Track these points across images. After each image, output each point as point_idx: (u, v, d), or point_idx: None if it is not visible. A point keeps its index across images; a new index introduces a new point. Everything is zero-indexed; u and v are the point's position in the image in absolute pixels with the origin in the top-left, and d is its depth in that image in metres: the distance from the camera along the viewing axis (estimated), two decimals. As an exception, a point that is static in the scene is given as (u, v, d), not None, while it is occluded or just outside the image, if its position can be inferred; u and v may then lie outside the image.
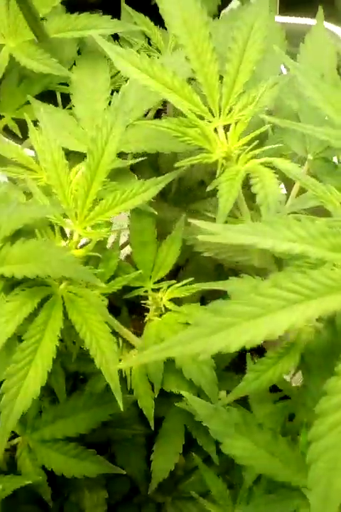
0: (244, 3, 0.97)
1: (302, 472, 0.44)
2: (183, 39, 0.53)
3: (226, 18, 0.79)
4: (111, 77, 0.72)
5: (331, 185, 0.43)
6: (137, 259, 0.65)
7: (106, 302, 0.57)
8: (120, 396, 0.51)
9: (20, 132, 0.76)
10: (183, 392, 0.50)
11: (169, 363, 0.60)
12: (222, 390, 0.60)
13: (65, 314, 0.54)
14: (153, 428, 0.61)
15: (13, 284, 0.55)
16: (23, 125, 0.78)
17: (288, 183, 0.59)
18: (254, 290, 0.35)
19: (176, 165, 0.53)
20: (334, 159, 0.58)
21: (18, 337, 0.52)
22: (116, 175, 0.63)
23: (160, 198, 0.72)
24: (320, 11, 0.66)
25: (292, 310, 0.34)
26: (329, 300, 0.34)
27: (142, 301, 0.66)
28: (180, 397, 0.63)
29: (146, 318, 0.65)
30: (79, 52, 0.78)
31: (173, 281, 0.64)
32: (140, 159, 0.65)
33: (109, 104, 0.69)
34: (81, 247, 0.59)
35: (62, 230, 0.59)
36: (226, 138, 0.53)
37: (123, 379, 0.62)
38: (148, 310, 0.68)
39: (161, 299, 0.64)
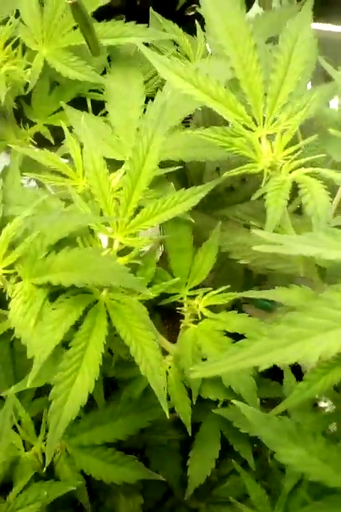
0: (266, 9, 0.98)
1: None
2: (229, 50, 0.53)
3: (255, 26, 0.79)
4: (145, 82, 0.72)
5: None
6: (174, 266, 0.64)
7: (146, 310, 0.57)
8: (165, 403, 0.51)
9: (52, 139, 0.76)
10: (234, 401, 0.50)
11: (206, 369, 0.60)
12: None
13: (109, 321, 0.53)
14: (190, 434, 0.60)
15: (57, 292, 0.54)
16: (54, 131, 0.79)
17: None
18: (328, 303, 0.34)
19: (224, 176, 0.52)
20: None
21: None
22: (153, 183, 0.62)
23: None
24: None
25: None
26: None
27: (178, 308, 0.65)
28: (215, 403, 0.63)
29: (182, 325, 0.65)
30: (109, 59, 0.77)
31: (209, 289, 0.64)
32: (177, 167, 0.64)
33: (144, 111, 0.69)
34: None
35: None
36: (271, 147, 0.52)
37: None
38: (179, 316, 0.67)
39: (197, 305, 0.64)
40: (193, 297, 0.64)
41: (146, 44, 0.79)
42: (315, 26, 0.68)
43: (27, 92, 0.72)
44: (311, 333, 0.34)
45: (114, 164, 0.65)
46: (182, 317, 0.66)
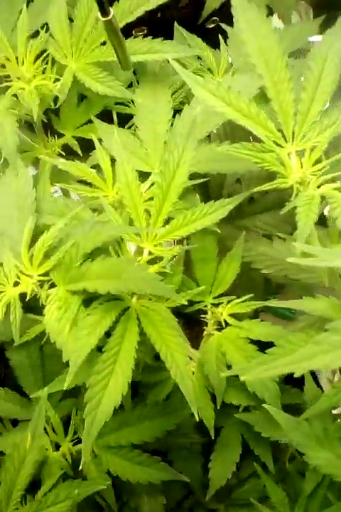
0: (285, 21, 0.99)
1: None
2: (261, 69, 0.54)
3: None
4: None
5: None
6: (199, 274, 0.65)
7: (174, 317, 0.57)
8: (195, 405, 0.52)
9: (80, 150, 0.76)
10: (265, 406, 0.50)
11: (230, 376, 0.60)
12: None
13: (139, 327, 0.54)
14: (213, 437, 0.61)
15: (89, 299, 0.55)
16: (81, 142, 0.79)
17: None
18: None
19: (255, 190, 0.53)
20: None
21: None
22: (181, 194, 0.63)
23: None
24: None
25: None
26: None
27: (202, 316, 0.66)
28: (236, 408, 0.64)
29: (205, 332, 0.66)
30: (134, 73, 0.78)
31: (233, 297, 0.65)
32: (203, 180, 0.65)
33: (171, 125, 0.70)
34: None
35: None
36: (300, 163, 0.53)
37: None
38: (198, 323, 0.68)
39: (221, 313, 0.64)
40: (217, 305, 0.65)
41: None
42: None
43: (57, 106, 0.73)
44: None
45: (141, 175, 0.66)
46: (203, 324, 0.67)
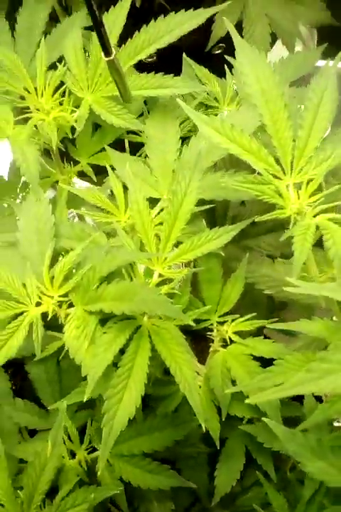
0: (289, 48, 1.04)
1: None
2: (261, 109, 0.59)
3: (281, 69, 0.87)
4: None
5: None
6: (205, 295, 0.71)
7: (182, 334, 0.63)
8: (202, 417, 0.57)
9: (94, 176, 0.82)
10: (264, 419, 0.56)
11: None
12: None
13: (151, 344, 0.59)
14: (218, 447, 0.66)
15: (105, 318, 0.60)
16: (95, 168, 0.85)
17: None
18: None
19: (256, 219, 0.58)
20: None
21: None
22: (189, 220, 0.68)
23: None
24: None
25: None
26: None
27: (208, 333, 0.71)
28: (240, 420, 0.69)
29: (211, 349, 0.71)
30: (145, 103, 0.84)
31: (237, 316, 0.70)
32: (209, 206, 0.70)
33: (179, 154, 0.76)
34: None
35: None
36: (297, 194, 0.58)
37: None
38: (203, 339, 0.73)
39: (226, 331, 0.70)
40: (222, 323, 0.71)
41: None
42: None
43: (74, 136, 0.78)
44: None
45: (151, 201, 0.72)
46: (208, 340, 0.72)
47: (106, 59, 0.69)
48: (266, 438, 0.66)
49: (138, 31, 0.78)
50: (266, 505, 0.69)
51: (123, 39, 0.80)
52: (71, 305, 0.62)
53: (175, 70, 0.86)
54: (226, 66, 0.86)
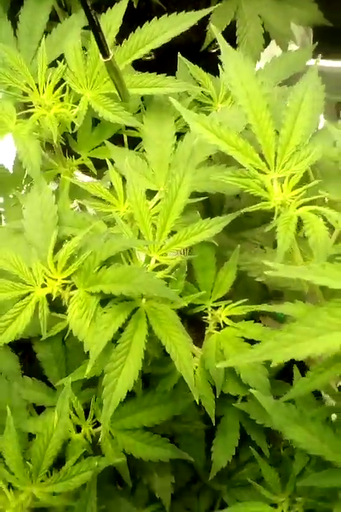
0: (282, 48, 1.16)
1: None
2: (246, 109, 0.70)
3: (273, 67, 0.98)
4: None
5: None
6: (199, 281, 0.82)
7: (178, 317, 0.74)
8: (196, 392, 0.68)
9: (95, 169, 0.94)
10: (252, 391, 0.67)
11: (228, 370, 0.78)
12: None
13: (148, 324, 0.71)
14: (214, 424, 0.78)
15: (105, 300, 0.72)
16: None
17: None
18: (316, 316, 0.52)
19: (243, 211, 0.70)
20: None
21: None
22: (183, 211, 0.80)
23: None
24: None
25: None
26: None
27: (203, 317, 0.83)
28: (235, 399, 0.81)
29: (206, 332, 0.83)
30: (142, 99, 0.96)
31: (230, 301, 0.82)
32: (202, 198, 0.82)
33: (175, 148, 0.87)
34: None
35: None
36: (281, 188, 0.70)
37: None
38: (201, 324, 0.85)
39: (220, 315, 0.81)
40: (216, 308, 0.82)
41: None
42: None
43: (74, 131, 0.90)
44: (303, 338, 0.52)
45: (149, 193, 0.83)
46: (204, 326, 0.84)
47: (104, 60, 0.81)
48: (258, 415, 0.77)
49: (134, 32, 0.90)
50: (260, 480, 0.80)
51: (119, 38, 0.92)
52: (74, 288, 0.73)
53: (172, 67, 0.98)
54: (219, 65, 0.98)
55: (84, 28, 0.94)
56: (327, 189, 0.73)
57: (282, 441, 0.86)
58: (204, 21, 1.02)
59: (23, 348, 0.86)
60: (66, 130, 0.93)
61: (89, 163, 0.95)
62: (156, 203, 0.83)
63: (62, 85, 0.90)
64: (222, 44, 0.72)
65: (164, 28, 0.87)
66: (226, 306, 0.82)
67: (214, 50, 1.18)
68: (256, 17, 1.06)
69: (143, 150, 0.88)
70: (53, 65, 0.92)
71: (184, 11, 0.87)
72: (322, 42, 1.04)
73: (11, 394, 0.81)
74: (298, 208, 0.70)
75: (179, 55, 1.01)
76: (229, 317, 0.81)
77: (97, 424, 0.79)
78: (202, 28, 1.12)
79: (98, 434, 0.79)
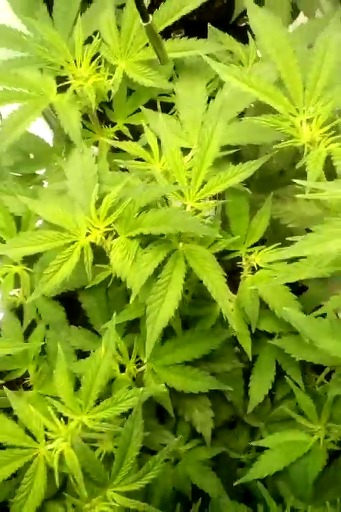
0: (310, 17, 1.19)
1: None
2: (274, 57, 0.75)
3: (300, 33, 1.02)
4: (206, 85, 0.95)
5: None
6: (233, 228, 0.86)
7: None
8: (232, 318, 0.73)
9: (131, 136, 0.99)
10: (284, 308, 0.71)
11: (262, 309, 0.81)
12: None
13: (186, 263, 0.75)
14: (250, 358, 0.82)
15: (145, 245, 0.77)
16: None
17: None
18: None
19: (274, 147, 0.74)
20: None
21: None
22: (216, 164, 0.84)
23: (246, 185, 0.93)
24: None
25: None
26: None
27: (238, 263, 0.87)
28: (271, 337, 0.84)
29: (242, 276, 0.87)
30: (174, 67, 1.00)
31: (263, 247, 0.85)
32: (235, 150, 0.86)
33: (206, 109, 0.91)
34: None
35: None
36: (310, 128, 0.74)
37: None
38: (237, 274, 0.89)
39: (254, 260, 0.85)
40: (250, 254, 0.86)
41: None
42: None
43: (110, 99, 0.95)
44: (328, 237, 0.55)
45: (183, 152, 0.88)
46: (240, 271, 0.88)
47: (144, 24, 0.86)
48: (293, 349, 0.80)
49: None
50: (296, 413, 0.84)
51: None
52: (115, 237, 0.79)
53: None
54: (248, 32, 1.02)
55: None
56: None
57: (317, 379, 0.88)
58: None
59: (69, 301, 0.91)
60: (103, 100, 0.98)
61: (125, 129, 1.00)
62: (190, 160, 0.87)
63: (98, 58, 0.95)
64: (249, 3, 0.76)
65: (194, -5, 0.91)
66: (259, 251, 0.85)
67: (243, 25, 1.22)
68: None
69: (177, 112, 0.92)
70: (88, 42, 0.97)
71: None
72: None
73: (60, 342, 0.85)
74: (326, 146, 0.73)
75: (209, 25, 1.05)
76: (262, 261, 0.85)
77: (140, 364, 0.83)
78: (231, 4, 1.17)
79: (141, 372, 0.83)
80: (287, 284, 0.81)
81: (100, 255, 0.81)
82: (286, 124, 0.73)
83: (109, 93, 0.96)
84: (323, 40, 0.76)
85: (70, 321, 0.90)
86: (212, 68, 0.78)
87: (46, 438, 0.74)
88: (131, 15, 0.96)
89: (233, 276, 0.90)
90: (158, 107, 1.01)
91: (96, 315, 0.87)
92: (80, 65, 0.95)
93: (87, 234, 0.78)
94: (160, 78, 0.93)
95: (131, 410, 0.72)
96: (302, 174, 0.78)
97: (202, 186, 0.80)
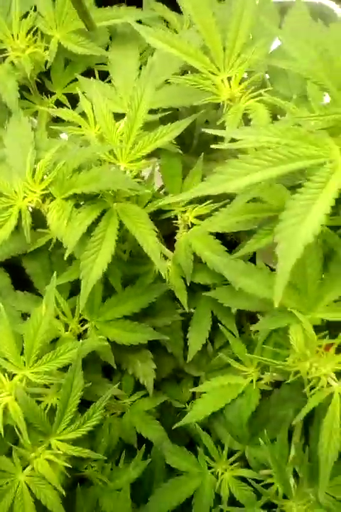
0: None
1: (291, 298, 0.69)
2: (194, 17, 0.78)
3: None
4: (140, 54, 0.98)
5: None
6: (168, 188, 0.90)
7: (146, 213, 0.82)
8: (164, 269, 0.77)
9: (69, 104, 1.02)
10: (206, 253, 0.75)
11: (197, 261, 0.85)
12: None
13: (119, 220, 0.78)
14: (187, 310, 0.86)
15: (80, 205, 0.80)
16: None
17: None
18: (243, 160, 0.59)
19: (194, 103, 0.77)
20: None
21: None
22: (148, 127, 0.87)
23: (185, 151, 0.96)
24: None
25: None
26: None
27: (173, 222, 0.90)
28: (207, 290, 0.88)
29: (177, 235, 0.90)
30: (110, 38, 1.03)
31: (197, 205, 0.89)
32: (166, 113, 0.89)
33: (139, 75, 0.94)
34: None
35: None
36: (230, 86, 0.78)
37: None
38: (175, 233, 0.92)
39: (188, 217, 0.89)
40: (184, 212, 0.90)
41: (140, 22, 1.06)
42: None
43: (46, 68, 0.98)
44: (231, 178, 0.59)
45: (117, 116, 0.91)
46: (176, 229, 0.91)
47: (70, -5, 0.89)
48: (226, 298, 0.84)
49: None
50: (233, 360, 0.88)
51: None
52: (53, 200, 0.81)
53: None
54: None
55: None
56: (276, 87, 0.81)
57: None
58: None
59: (15, 268, 0.93)
60: (41, 70, 1.00)
61: (64, 98, 1.02)
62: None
63: (34, 30, 0.97)
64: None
65: None
66: (194, 209, 0.88)
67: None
68: None
69: (111, 79, 0.95)
70: (27, 17, 0.99)
71: None
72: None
73: (6, 307, 0.88)
74: (245, 102, 0.77)
75: (143, -6, 1.08)
76: (196, 217, 0.88)
77: (84, 321, 0.87)
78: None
79: (85, 330, 0.86)
80: (220, 239, 0.85)
81: (41, 221, 0.84)
82: (207, 82, 0.76)
83: (46, 63, 0.98)
84: (240, 2, 0.79)
85: (17, 287, 0.93)
86: (141, 34, 0.81)
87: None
88: (64, -13, 0.98)
89: (172, 237, 0.93)
90: (96, 75, 1.04)
91: (41, 279, 0.90)
92: (17, 37, 0.97)
93: (24, 197, 0.81)
94: (93, 46, 0.96)
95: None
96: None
97: (133, 147, 0.83)
